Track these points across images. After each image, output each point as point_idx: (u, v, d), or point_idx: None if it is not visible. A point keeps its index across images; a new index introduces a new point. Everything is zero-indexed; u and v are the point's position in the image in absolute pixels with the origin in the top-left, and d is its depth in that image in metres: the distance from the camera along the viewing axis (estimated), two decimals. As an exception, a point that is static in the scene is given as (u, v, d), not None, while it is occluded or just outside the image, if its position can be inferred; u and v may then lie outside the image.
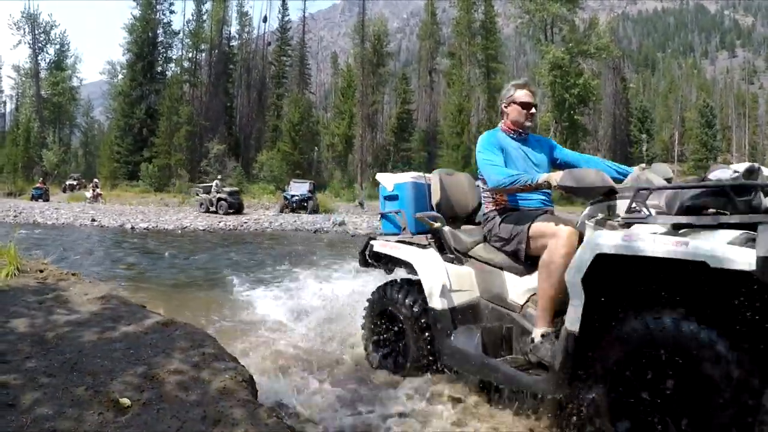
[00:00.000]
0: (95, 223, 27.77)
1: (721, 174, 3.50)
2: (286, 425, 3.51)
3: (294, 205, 37.48)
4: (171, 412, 3.42)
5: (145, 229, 26.62)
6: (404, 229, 5.60)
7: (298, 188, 39.33)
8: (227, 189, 37.44)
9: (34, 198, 45.03)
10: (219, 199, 35.92)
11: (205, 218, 30.71)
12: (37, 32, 74.10)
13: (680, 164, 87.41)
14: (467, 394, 4.99)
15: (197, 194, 39.86)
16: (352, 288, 8.16)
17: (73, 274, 7.30)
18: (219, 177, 40.42)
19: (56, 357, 4.18)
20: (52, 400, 3.46)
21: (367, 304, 5.95)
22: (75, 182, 55.73)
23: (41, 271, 7.05)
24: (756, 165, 3.49)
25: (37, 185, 47.92)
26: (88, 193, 45.82)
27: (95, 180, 50.69)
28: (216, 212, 35.19)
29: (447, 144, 57.91)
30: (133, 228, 26.79)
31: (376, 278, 7.15)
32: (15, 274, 6.65)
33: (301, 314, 8.20)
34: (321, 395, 5.12)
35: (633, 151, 72.09)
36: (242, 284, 10.68)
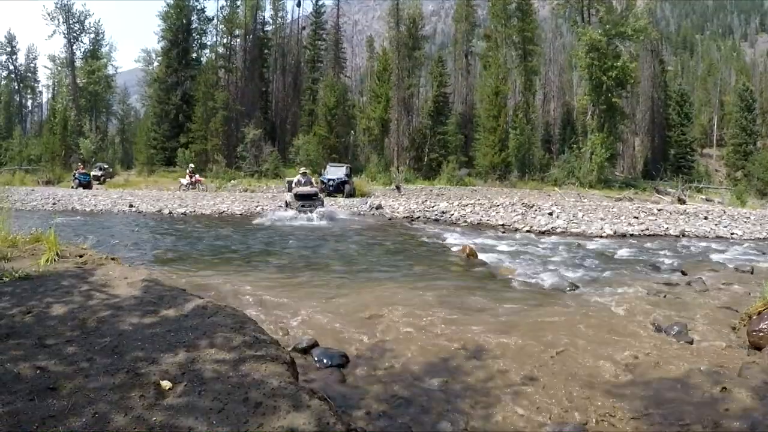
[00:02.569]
0: (133, 209, 27.95)
1: None
2: (327, 406, 3.47)
3: (331, 188, 36.98)
4: (212, 394, 3.41)
5: (182, 213, 26.77)
6: None
7: (335, 172, 39.01)
8: (299, 189, 25.96)
9: (81, 185, 42.55)
10: (287, 204, 25.81)
11: (242, 202, 30.48)
12: (71, 22, 74.61)
13: (719, 149, 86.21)
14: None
15: (287, 190, 28.27)
16: None
17: (113, 259, 7.36)
18: (302, 170, 29.23)
19: (96, 341, 4.19)
20: (93, 384, 3.46)
21: None
22: (101, 173, 53.85)
23: (81, 257, 7.12)
24: None
25: (82, 171, 45.79)
26: (184, 180, 42.36)
27: (191, 165, 45.72)
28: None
29: (484, 127, 57.45)
30: (171, 213, 26.95)
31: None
32: (55, 260, 6.72)
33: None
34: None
35: (671, 135, 71.05)
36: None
